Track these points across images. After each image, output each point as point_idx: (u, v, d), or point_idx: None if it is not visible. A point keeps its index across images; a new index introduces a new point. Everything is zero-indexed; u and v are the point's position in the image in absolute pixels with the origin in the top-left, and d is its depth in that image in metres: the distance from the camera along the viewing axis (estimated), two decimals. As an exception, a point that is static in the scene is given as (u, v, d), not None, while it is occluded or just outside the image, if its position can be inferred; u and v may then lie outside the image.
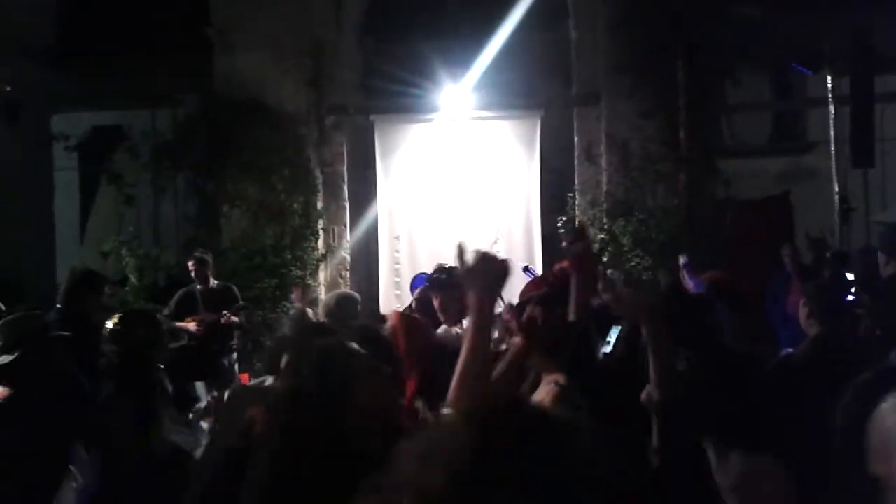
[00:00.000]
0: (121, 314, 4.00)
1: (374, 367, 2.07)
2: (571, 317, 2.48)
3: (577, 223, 2.54)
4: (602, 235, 8.45)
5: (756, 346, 4.84)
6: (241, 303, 7.33)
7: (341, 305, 4.85)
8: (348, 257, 9.20)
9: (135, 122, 10.06)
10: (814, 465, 3.19)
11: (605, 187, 8.65)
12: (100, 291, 5.37)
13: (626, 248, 8.32)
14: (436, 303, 4.05)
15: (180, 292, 7.21)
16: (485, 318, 1.94)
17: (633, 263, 8.23)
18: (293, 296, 8.22)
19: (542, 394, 2.95)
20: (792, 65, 9.66)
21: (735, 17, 8.53)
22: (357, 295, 5.42)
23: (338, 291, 6.49)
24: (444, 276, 4.00)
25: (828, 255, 8.10)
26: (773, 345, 7.07)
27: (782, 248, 8.08)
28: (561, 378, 2.66)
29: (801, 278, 7.51)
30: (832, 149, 9.20)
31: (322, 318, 5.06)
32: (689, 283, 4.77)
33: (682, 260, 5.29)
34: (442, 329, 4.10)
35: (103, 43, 9.90)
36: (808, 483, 3.21)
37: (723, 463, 2.06)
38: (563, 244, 4.39)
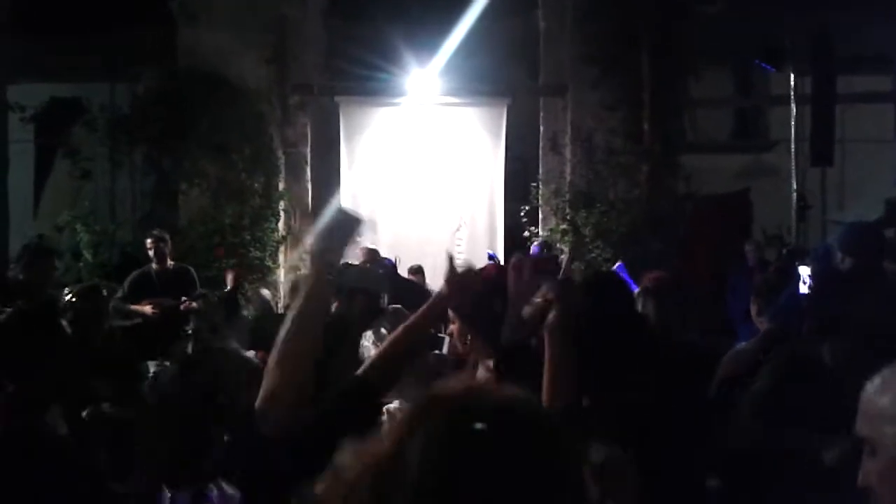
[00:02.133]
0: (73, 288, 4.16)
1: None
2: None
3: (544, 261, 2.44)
4: (564, 226, 8.49)
5: (711, 340, 4.91)
6: (200, 290, 7.18)
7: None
8: (310, 240, 9.12)
9: (94, 95, 9.84)
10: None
11: (568, 178, 8.68)
12: (51, 265, 5.33)
13: (587, 239, 8.37)
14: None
15: (135, 273, 7.00)
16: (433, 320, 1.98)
17: (593, 254, 8.29)
18: (228, 277, 7.82)
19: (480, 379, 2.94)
20: (755, 61, 9.77)
21: (700, 12, 8.59)
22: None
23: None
24: None
25: (784, 251, 8.23)
26: (731, 339, 7.18)
27: (746, 243, 8.19)
28: (496, 363, 2.65)
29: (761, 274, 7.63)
30: (792, 147, 9.33)
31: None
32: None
33: (617, 265, 5.36)
34: None
35: (63, 13, 9.66)
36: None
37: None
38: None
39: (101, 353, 4.06)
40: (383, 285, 4.27)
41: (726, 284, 8.28)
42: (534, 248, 8.13)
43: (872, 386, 1.41)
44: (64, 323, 2.88)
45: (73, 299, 4.29)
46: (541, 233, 8.68)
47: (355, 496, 0.99)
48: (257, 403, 1.77)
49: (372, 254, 7.43)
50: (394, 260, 7.76)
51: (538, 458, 0.99)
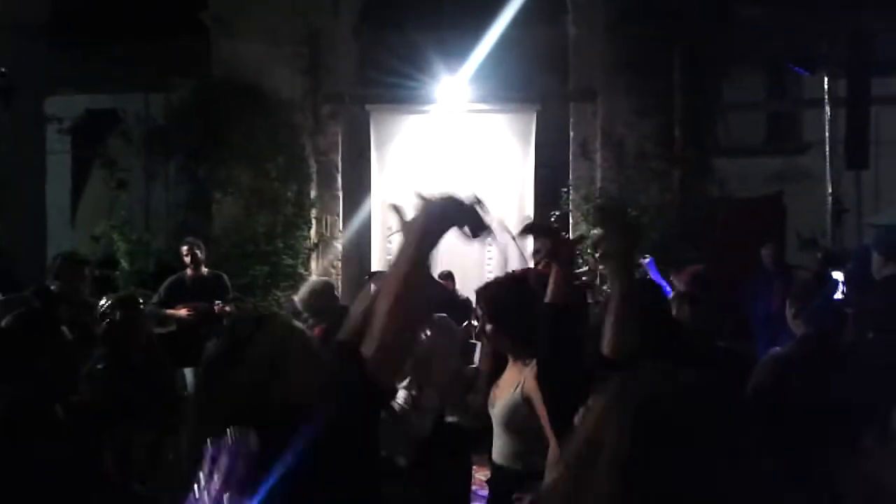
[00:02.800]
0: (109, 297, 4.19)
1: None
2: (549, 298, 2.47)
3: (530, 226, 2.45)
4: (595, 231, 8.43)
5: (734, 343, 4.88)
6: (232, 293, 7.28)
7: (319, 295, 4.87)
8: (341, 247, 9.18)
9: (129, 105, 10.01)
10: (800, 459, 3.21)
11: (599, 183, 8.65)
12: (82, 273, 5.43)
13: (618, 245, 8.31)
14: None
15: (170, 279, 7.17)
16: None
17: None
18: None
19: (525, 376, 2.94)
20: (789, 65, 9.67)
21: (733, 16, 8.52)
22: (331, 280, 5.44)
23: (312, 280, 6.40)
24: None
25: (819, 255, 8.12)
26: (751, 343, 7.12)
27: (763, 247, 8.10)
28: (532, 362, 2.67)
29: (783, 278, 7.55)
30: (826, 150, 9.21)
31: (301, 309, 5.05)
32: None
33: (646, 259, 5.31)
34: None
35: (99, 25, 9.84)
36: (794, 477, 3.22)
37: None
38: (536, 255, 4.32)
39: (139, 366, 4.07)
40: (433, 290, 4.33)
41: (747, 289, 8.23)
42: None
43: None
44: (63, 328, 2.95)
45: (109, 309, 4.27)
46: (571, 239, 8.65)
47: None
48: (368, 353, 1.71)
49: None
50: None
51: (714, 440, 1.17)
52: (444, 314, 4.21)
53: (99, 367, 3.93)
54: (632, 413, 1.19)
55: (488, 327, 3.04)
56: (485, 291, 3.18)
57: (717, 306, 3.82)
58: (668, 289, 4.60)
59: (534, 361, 2.68)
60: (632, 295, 2.08)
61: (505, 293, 3.05)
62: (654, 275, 5.07)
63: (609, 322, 2.03)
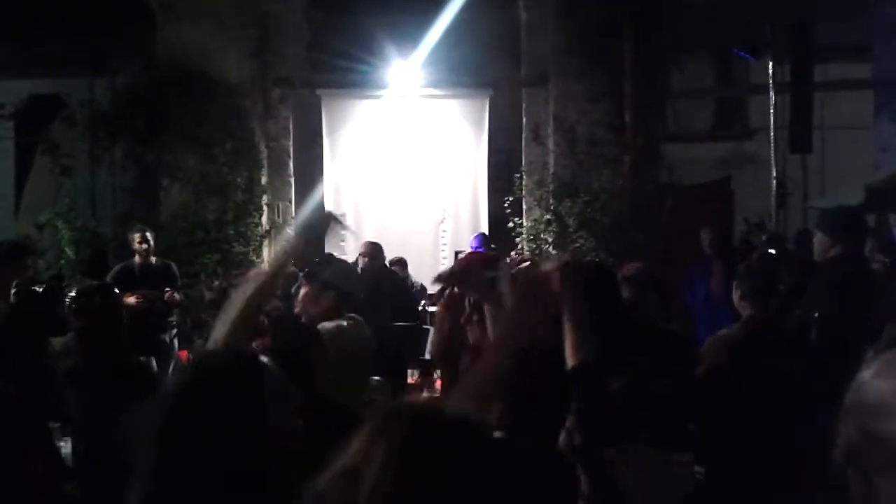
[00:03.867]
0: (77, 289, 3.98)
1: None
2: None
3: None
4: (548, 216, 8.52)
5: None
6: (181, 282, 7.19)
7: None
8: (293, 234, 9.09)
9: (73, 90, 9.75)
10: (747, 438, 3.29)
11: (551, 168, 8.70)
12: (24, 264, 5.30)
13: (571, 230, 8.40)
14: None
15: (117, 267, 7.02)
16: None
17: (577, 244, 8.32)
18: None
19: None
20: (734, 51, 9.83)
21: (681, 2, 8.63)
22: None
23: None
24: None
25: (763, 237, 8.30)
26: (689, 326, 7.26)
27: (701, 230, 8.24)
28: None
29: (723, 261, 7.71)
30: (772, 135, 9.41)
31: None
32: None
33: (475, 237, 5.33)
34: None
35: (41, 9, 9.56)
36: (736, 457, 3.31)
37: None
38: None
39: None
40: (357, 285, 4.39)
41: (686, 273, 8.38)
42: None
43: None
44: None
45: (82, 299, 3.72)
46: (524, 223, 8.71)
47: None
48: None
49: (372, 248, 7.41)
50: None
51: (477, 475, 1.07)
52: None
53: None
54: (398, 441, 1.07)
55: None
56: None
57: (662, 290, 3.87)
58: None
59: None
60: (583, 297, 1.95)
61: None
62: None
63: (567, 329, 1.86)
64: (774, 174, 9.38)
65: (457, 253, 8.21)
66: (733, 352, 3.42)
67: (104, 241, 8.74)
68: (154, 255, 7.10)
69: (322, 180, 9.13)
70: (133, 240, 7.00)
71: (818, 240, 4.27)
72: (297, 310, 3.96)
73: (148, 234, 7.01)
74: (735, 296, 3.58)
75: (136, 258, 6.98)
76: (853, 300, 3.98)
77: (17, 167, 11.67)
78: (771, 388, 3.24)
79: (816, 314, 3.97)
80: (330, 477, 1.09)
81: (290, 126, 9.02)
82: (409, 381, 5.26)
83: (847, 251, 4.11)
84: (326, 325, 3.69)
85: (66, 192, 9.16)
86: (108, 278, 6.83)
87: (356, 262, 7.56)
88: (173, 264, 7.20)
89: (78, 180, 9.50)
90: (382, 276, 7.15)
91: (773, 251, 7.01)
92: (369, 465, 1.05)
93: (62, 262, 8.47)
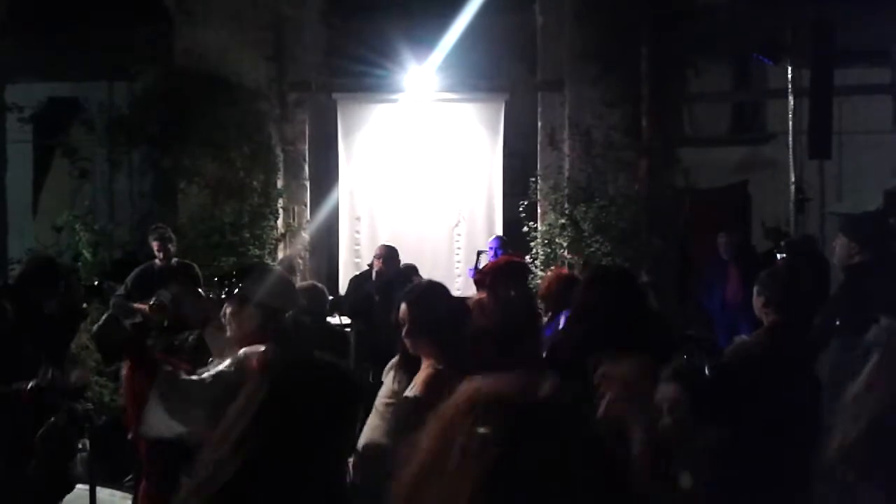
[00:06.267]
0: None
1: None
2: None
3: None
4: (563, 220, 8.49)
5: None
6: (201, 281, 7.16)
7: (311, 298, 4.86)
8: (308, 237, 9.11)
9: (91, 94, 9.82)
10: (768, 448, 3.25)
11: (567, 173, 8.67)
12: (54, 285, 5.31)
13: (586, 234, 8.37)
14: None
15: (137, 269, 6.98)
16: None
17: (592, 249, 8.28)
18: None
19: (419, 377, 2.90)
20: (753, 55, 9.77)
21: (699, 6, 8.58)
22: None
23: (303, 285, 6.20)
24: None
25: (781, 243, 8.23)
26: (707, 331, 7.22)
27: (718, 235, 8.20)
28: (438, 364, 2.71)
29: (741, 266, 7.66)
30: (790, 140, 9.34)
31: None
32: None
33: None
34: None
35: (60, 12, 9.62)
36: (761, 464, 3.27)
37: None
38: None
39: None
40: (291, 302, 4.03)
41: (702, 277, 8.34)
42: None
43: None
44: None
45: None
46: (539, 228, 8.68)
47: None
48: None
49: (387, 251, 7.36)
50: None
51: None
52: None
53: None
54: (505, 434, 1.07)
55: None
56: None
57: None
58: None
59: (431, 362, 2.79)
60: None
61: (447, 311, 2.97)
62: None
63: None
64: (793, 179, 9.31)
65: (479, 253, 8.15)
66: (757, 359, 3.38)
67: (132, 243, 8.74)
68: (174, 257, 7.09)
69: (337, 184, 9.14)
70: (153, 242, 6.96)
71: (842, 244, 4.22)
72: (227, 333, 3.48)
73: (166, 236, 6.96)
74: (757, 302, 3.53)
75: (157, 260, 6.95)
76: (884, 308, 3.92)
77: (34, 170, 11.76)
78: (795, 397, 3.20)
79: (838, 322, 3.91)
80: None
81: (307, 130, 9.04)
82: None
83: (874, 256, 4.05)
84: (248, 350, 3.26)
85: (84, 196, 9.22)
86: (128, 281, 6.83)
87: (371, 265, 7.56)
88: (195, 265, 7.16)
89: (96, 184, 9.56)
90: (396, 280, 7.14)
91: (783, 255, 6.98)
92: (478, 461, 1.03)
93: (79, 264, 8.51)
